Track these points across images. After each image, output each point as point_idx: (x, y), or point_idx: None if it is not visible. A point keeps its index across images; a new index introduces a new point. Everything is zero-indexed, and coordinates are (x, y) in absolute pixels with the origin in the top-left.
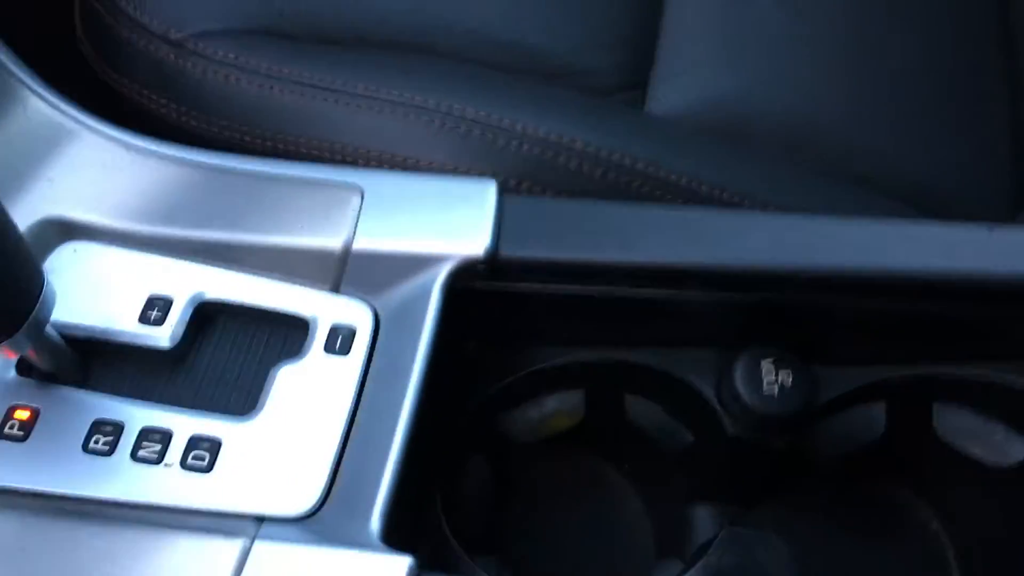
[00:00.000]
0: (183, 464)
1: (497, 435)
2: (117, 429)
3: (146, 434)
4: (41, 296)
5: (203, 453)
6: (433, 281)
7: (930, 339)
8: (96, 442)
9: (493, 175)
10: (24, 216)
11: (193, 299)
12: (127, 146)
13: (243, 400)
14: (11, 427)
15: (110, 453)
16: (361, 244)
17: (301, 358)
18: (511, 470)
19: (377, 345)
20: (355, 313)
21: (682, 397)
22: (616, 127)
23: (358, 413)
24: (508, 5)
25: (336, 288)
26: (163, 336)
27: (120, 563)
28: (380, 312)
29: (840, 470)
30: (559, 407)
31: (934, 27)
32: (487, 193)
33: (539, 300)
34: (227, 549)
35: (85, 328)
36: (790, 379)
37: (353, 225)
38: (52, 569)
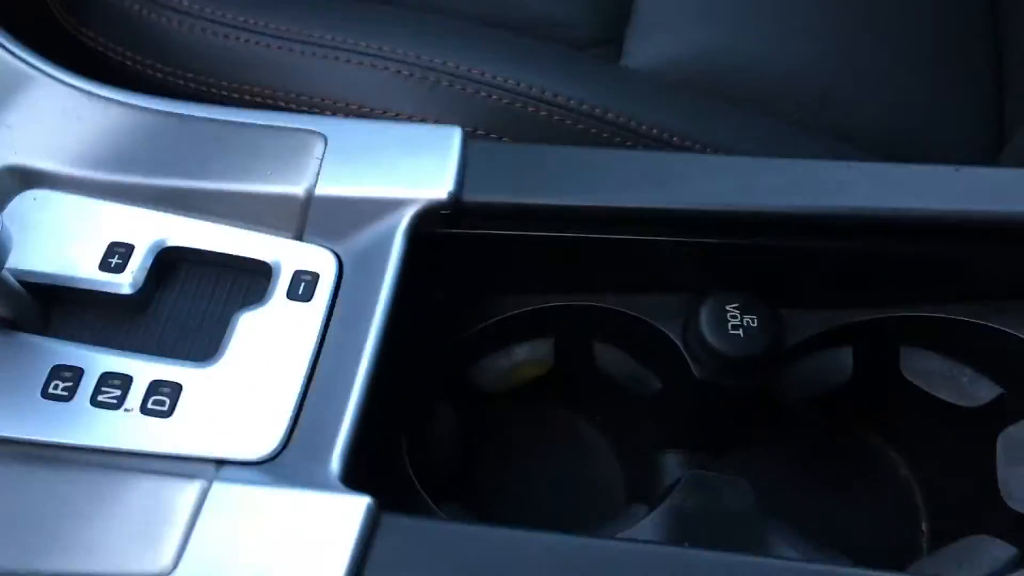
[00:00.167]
0: (143, 409)
1: (466, 384)
2: (76, 374)
3: (106, 379)
4: None
5: (163, 398)
6: (396, 226)
7: (897, 282)
8: (55, 387)
9: (461, 125)
10: None
11: (154, 246)
12: (88, 94)
13: (205, 346)
14: None
15: (69, 398)
16: (324, 190)
17: (263, 304)
18: (481, 419)
19: (340, 291)
20: (318, 259)
21: (650, 342)
22: (589, 78)
23: (320, 359)
24: None
25: (299, 235)
26: (124, 283)
27: (78, 506)
28: (343, 258)
29: (810, 416)
30: (528, 356)
31: None
32: (451, 139)
33: (505, 245)
34: (186, 491)
35: (45, 275)
36: (755, 322)
37: (316, 171)
38: (10, 513)
